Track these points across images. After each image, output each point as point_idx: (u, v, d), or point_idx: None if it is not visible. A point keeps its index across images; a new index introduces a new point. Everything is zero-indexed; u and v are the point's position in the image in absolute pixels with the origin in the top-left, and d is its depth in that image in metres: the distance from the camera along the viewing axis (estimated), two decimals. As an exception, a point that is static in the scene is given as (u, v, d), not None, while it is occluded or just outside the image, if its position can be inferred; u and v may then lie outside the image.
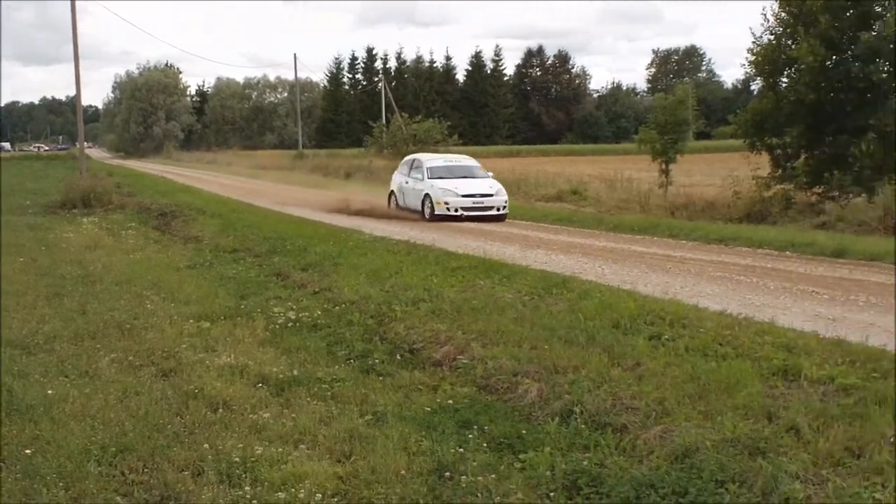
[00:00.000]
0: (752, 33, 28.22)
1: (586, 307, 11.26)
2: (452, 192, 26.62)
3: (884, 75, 25.40)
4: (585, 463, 6.72)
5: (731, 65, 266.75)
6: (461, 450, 7.14)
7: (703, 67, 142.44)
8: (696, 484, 6.16)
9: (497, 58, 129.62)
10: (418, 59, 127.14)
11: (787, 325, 10.31)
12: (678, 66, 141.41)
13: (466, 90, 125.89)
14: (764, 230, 21.67)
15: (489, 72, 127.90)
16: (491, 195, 26.84)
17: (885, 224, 21.23)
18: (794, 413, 7.16)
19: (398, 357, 10.26)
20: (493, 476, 6.63)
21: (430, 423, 7.84)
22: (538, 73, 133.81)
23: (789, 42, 27.12)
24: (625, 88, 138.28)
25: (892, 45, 24.79)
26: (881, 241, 18.81)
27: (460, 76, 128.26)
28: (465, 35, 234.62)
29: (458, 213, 26.22)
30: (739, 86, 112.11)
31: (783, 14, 27.59)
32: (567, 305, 11.61)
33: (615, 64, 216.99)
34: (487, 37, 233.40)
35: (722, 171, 33.19)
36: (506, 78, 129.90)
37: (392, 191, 30.27)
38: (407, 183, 28.95)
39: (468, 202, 26.46)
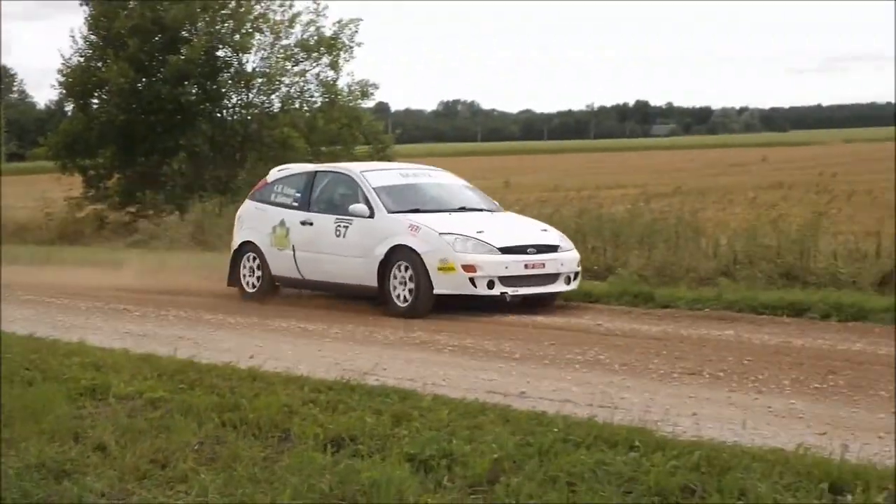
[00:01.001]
0: (62, 55, 28.39)
1: None
2: (476, 242, 12.53)
3: (192, 97, 26.86)
4: None
5: (43, 86, 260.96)
6: None
7: (15, 88, 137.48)
8: (-7, 518, 5.92)
9: None
10: None
11: (98, 344, 10.31)
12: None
13: None
14: (79, 250, 21.60)
15: None
16: (554, 247, 12.94)
17: (196, 240, 22.11)
18: (102, 431, 7.13)
19: None
20: None
21: None
22: None
23: (99, 64, 27.63)
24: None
25: (199, 69, 26.27)
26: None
27: None
28: None
29: (499, 293, 12.39)
30: (53, 107, 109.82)
31: (92, 37, 27.98)
32: None
33: None
34: None
35: (36, 192, 32.50)
36: None
37: (247, 246, 14.39)
38: (309, 226, 13.70)
39: (517, 266, 12.50)
